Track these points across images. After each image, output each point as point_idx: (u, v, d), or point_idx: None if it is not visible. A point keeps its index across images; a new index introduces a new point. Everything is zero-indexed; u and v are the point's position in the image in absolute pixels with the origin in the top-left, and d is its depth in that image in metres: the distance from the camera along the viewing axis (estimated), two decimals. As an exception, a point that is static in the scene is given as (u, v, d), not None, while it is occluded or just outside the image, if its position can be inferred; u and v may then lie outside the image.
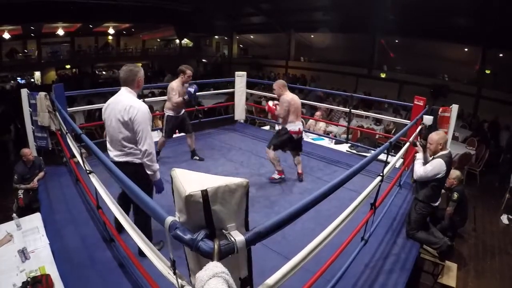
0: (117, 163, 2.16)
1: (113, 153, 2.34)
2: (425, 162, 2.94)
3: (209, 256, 0.93)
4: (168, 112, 4.10)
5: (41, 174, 3.85)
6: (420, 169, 2.86)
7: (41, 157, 4.02)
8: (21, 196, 3.70)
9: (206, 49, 23.16)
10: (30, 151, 3.84)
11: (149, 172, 2.29)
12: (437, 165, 2.77)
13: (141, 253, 1.76)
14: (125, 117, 2.18)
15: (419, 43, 12.30)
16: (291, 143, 3.86)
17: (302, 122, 3.99)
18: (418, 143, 3.10)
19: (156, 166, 2.31)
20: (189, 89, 4.05)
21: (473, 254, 4.31)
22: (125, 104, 2.19)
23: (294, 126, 3.76)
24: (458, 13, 9.83)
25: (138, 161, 2.30)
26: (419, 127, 3.91)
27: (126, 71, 2.27)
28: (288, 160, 4.64)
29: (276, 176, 3.93)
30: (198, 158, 4.52)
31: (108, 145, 2.38)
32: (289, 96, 3.73)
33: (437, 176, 2.80)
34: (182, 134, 4.51)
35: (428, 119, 3.79)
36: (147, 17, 15.77)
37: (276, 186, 3.83)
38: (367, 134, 6.50)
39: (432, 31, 10.77)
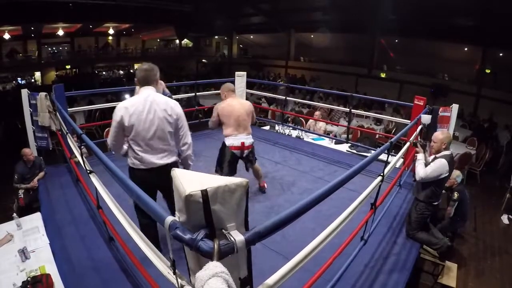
0: (162, 167, 2.14)
1: (154, 157, 2.15)
2: (426, 162, 2.94)
3: (209, 256, 0.93)
4: None
5: (41, 174, 3.85)
6: (422, 170, 2.85)
7: (41, 157, 4.02)
8: (22, 196, 3.71)
9: (206, 49, 23.19)
10: (31, 151, 3.84)
11: (190, 163, 2.34)
12: (440, 166, 2.76)
13: None
14: (173, 115, 2.14)
15: (419, 43, 12.31)
16: (236, 161, 3.21)
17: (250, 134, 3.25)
18: (418, 143, 3.09)
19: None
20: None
21: (473, 254, 4.31)
22: (165, 102, 2.14)
23: (234, 140, 3.10)
24: (458, 13, 9.84)
25: (174, 159, 2.27)
26: (419, 127, 3.91)
27: (148, 70, 2.17)
28: (289, 160, 4.65)
29: None
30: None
31: (142, 153, 2.15)
32: (225, 103, 3.13)
33: (440, 177, 2.79)
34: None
35: (426, 119, 3.77)
36: (147, 17, 15.79)
37: (276, 186, 3.83)
38: (367, 134, 6.50)
39: (432, 31, 10.78)
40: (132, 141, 2.17)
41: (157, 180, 2.17)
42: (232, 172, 3.19)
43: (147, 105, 2.10)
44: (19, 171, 3.77)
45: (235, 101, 3.17)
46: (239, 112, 3.09)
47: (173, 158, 2.25)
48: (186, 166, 2.36)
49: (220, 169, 3.23)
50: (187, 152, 2.30)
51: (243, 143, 3.11)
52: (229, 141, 3.12)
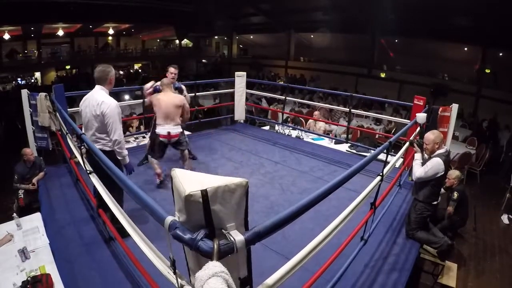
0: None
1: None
2: (423, 162, 2.94)
3: (209, 256, 0.93)
4: None
5: (41, 174, 3.85)
6: (419, 170, 2.86)
7: (41, 157, 4.03)
8: (22, 196, 3.70)
9: (206, 49, 23.17)
10: (31, 151, 3.84)
11: (119, 158, 2.61)
12: (435, 164, 2.77)
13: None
14: (97, 111, 2.48)
15: (419, 42, 12.31)
16: (165, 146, 3.63)
17: (176, 125, 3.57)
18: (415, 143, 3.09)
19: (125, 152, 2.63)
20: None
21: (473, 254, 4.31)
22: (97, 100, 2.49)
23: (161, 129, 3.51)
24: (458, 13, 9.84)
25: (107, 149, 2.58)
26: (419, 127, 3.91)
27: (99, 71, 2.56)
28: (289, 160, 4.65)
29: (156, 179, 3.69)
30: (191, 156, 4.47)
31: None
32: (158, 96, 3.55)
33: (436, 176, 2.80)
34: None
35: (421, 117, 3.69)
36: (147, 17, 15.78)
37: (276, 186, 3.84)
38: (367, 134, 6.51)
39: (432, 30, 10.78)
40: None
41: None
42: (161, 155, 3.69)
43: (86, 101, 2.58)
44: (19, 171, 3.77)
45: (166, 96, 3.56)
46: (166, 105, 3.50)
47: (97, 146, 2.52)
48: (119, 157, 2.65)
49: (151, 152, 3.69)
50: (114, 147, 2.59)
51: (169, 133, 3.53)
52: (158, 130, 3.56)
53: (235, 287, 0.88)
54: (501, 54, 11.15)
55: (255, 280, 1.21)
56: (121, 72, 20.46)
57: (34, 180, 3.76)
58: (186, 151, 3.78)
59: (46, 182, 3.76)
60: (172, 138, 3.57)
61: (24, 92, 3.86)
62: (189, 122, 4.47)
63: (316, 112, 6.49)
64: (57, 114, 3.79)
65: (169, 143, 3.61)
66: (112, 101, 2.54)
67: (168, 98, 3.53)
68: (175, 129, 3.56)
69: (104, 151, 2.43)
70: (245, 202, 1.11)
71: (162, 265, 1.42)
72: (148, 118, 4.76)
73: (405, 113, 9.51)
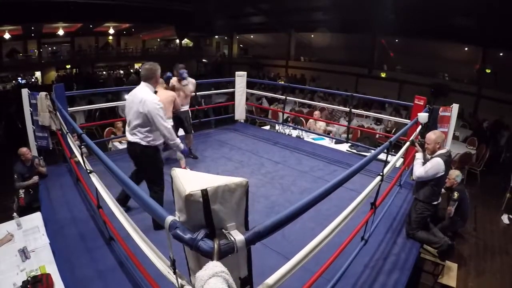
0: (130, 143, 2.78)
1: (129, 135, 2.78)
2: (424, 161, 2.94)
3: (209, 256, 0.93)
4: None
5: (43, 169, 3.83)
6: (419, 169, 2.86)
7: (41, 157, 4.02)
8: (22, 195, 3.69)
9: (206, 49, 23.16)
10: (28, 150, 3.82)
11: (174, 148, 2.93)
12: (436, 164, 2.77)
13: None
14: (140, 108, 2.60)
15: (419, 42, 12.30)
16: None
17: None
18: (416, 143, 3.09)
19: (177, 140, 2.85)
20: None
21: (473, 254, 4.31)
22: (141, 98, 2.61)
23: None
24: (458, 13, 9.82)
25: (144, 143, 2.72)
26: (419, 127, 3.91)
27: (146, 69, 2.71)
28: (289, 160, 4.65)
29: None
30: (192, 156, 4.53)
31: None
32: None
33: (437, 176, 2.79)
34: (182, 134, 4.51)
35: (422, 117, 3.70)
36: (147, 17, 15.77)
37: (276, 185, 3.84)
38: (367, 133, 6.50)
39: (432, 31, 10.76)
40: None
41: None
42: None
43: (130, 97, 2.76)
44: (18, 171, 3.76)
45: (159, 92, 3.72)
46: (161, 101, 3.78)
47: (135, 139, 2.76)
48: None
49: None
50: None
51: None
52: None
53: (235, 287, 0.87)
54: (501, 54, 11.14)
55: (255, 280, 1.21)
56: (121, 72, 20.47)
57: (35, 177, 3.76)
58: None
59: (46, 182, 3.76)
60: None
61: (25, 92, 3.86)
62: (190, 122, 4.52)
63: (316, 112, 6.49)
64: (58, 113, 3.79)
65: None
66: (155, 98, 2.65)
67: (161, 94, 3.73)
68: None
69: (140, 145, 2.72)
70: (245, 201, 1.11)
71: (162, 265, 1.42)
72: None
73: (405, 113, 9.52)
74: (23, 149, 3.73)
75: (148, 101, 2.60)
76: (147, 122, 2.66)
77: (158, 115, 2.64)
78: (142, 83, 2.72)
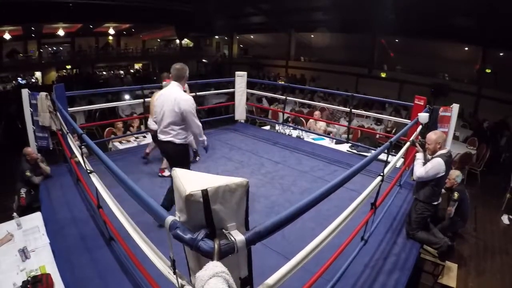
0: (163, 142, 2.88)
1: (161, 135, 2.87)
2: (425, 161, 2.94)
3: (209, 256, 0.93)
4: None
5: (47, 169, 3.83)
6: (420, 169, 2.86)
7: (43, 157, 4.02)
8: (23, 195, 3.68)
9: (207, 49, 23.15)
10: (33, 150, 3.82)
11: (201, 144, 3.03)
12: (436, 165, 2.77)
13: None
14: (175, 107, 2.70)
15: (420, 42, 12.29)
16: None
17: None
18: (416, 143, 3.09)
19: (204, 137, 2.99)
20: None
21: (473, 254, 4.31)
22: (175, 97, 2.71)
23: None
24: (458, 13, 9.82)
25: (177, 141, 2.84)
26: (420, 127, 3.91)
27: (178, 69, 2.81)
28: (289, 160, 4.65)
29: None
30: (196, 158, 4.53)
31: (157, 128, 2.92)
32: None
33: (437, 176, 2.79)
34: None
35: (423, 117, 3.71)
36: (147, 17, 15.77)
37: (276, 185, 3.83)
38: (367, 134, 6.50)
39: (432, 31, 10.75)
40: None
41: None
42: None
43: (162, 96, 2.84)
44: (26, 168, 3.74)
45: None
46: (152, 103, 3.84)
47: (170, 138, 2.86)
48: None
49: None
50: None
51: (148, 125, 3.97)
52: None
53: (235, 287, 0.87)
54: (501, 54, 11.14)
55: (255, 280, 1.21)
56: (121, 72, 20.47)
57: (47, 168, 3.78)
58: None
59: (46, 182, 3.76)
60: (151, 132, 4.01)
61: (25, 92, 3.86)
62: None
63: (316, 112, 6.49)
64: (58, 113, 3.79)
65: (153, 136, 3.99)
66: (188, 97, 2.78)
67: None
68: (154, 125, 3.92)
69: (173, 143, 2.83)
70: (245, 202, 1.11)
71: (162, 265, 1.42)
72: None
73: (405, 113, 9.51)
74: (28, 149, 3.73)
75: (183, 100, 2.71)
76: (181, 120, 2.76)
77: (192, 113, 2.77)
78: (173, 83, 2.81)
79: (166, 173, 3.93)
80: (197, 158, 4.55)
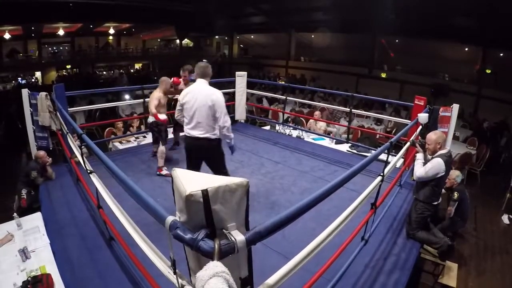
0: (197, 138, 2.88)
1: (194, 131, 2.87)
2: (425, 162, 2.94)
3: (210, 256, 0.93)
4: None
5: (53, 174, 3.83)
6: (420, 169, 2.86)
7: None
8: (24, 196, 3.67)
9: (207, 49, 23.17)
10: (45, 154, 3.79)
11: (227, 140, 3.01)
12: (436, 165, 2.77)
13: None
14: (209, 102, 2.76)
15: (420, 42, 12.30)
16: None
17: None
18: (417, 143, 3.09)
19: (232, 135, 3.00)
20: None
21: (473, 254, 4.31)
22: (208, 92, 2.79)
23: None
24: (458, 13, 9.82)
25: (213, 137, 2.89)
26: (420, 127, 3.91)
27: (203, 67, 2.89)
28: (289, 160, 4.65)
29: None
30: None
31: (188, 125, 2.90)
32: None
33: (437, 176, 2.79)
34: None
35: (423, 117, 3.70)
36: (147, 17, 15.78)
37: (277, 185, 3.83)
38: (367, 134, 6.50)
39: (432, 31, 10.76)
40: None
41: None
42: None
43: (191, 93, 2.86)
44: (34, 168, 3.72)
45: (155, 91, 4.10)
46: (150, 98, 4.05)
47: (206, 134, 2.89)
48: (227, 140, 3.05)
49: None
50: (223, 131, 2.93)
51: (149, 122, 4.10)
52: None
53: (236, 287, 0.87)
54: (501, 54, 11.14)
55: (256, 280, 1.21)
56: (122, 72, 20.47)
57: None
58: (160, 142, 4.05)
59: (46, 182, 3.75)
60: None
61: (25, 92, 3.86)
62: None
63: (316, 112, 6.49)
64: (58, 113, 3.79)
65: (151, 130, 4.18)
66: (220, 92, 2.85)
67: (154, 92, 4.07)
68: (151, 119, 4.06)
69: (208, 139, 2.87)
70: (245, 202, 1.11)
71: (162, 265, 1.42)
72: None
73: (405, 113, 9.52)
74: (41, 153, 3.71)
75: (216, 96, 2.80)
76: (213, 115, 2.81)
77: (223, 107, 2.84)
78: (200, 80, 2.87)
79: (164, 171, 3.93)
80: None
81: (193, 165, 3.02)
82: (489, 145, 7.19)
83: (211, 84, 2.95)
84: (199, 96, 2.80)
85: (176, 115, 3.07)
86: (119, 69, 20.89)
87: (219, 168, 3.05)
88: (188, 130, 2.92)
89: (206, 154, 3.01)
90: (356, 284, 2.32)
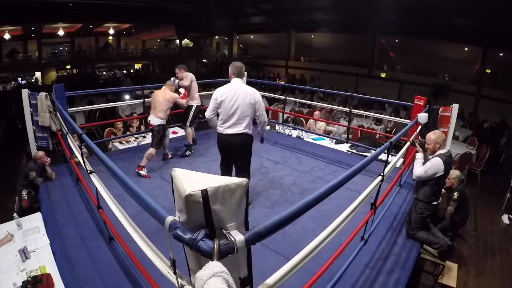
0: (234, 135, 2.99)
1: (232, 129, 2.98)
2: (425, 161, 2.94)
3: (209, 256, 0.93)
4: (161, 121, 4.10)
5: (53, 175, 3.83)
6: (419, 169, 2.87)
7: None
8: (25, 197, 3.67)
9: (207, 49, 23.17)
10: (44, 154, 3.79)
11: (264, 134, 3.33)
12: (435, 164, 2.78)
13: None
14: (251, 100, 2.92)
15: (419, 42, 12.28)
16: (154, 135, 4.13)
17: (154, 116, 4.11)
18: (416, 143, 3.09)
19: (267, 128, 3.10)
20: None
21: (473, 254, 4.31)
22: (247, 91, 2.94)
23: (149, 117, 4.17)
24: (458, 13, 9.82)
25: (250, 132, 3.04)
26: (419, 127, 3.91)
27: (239, 67, 3.02)
28: (289, 160, 4.65)
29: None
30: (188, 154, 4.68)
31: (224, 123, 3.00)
32: (155, 91, 4.22)
33: (436, 175, 2.80)
34: (183, 134, 4.54)
35: (422, 117, 3.70)
36: (147, 17, 15.78)
37: (276, 186, 3.83)
38: (367, 134, 6.50)
39: (432, 30, 10.76)
40: None
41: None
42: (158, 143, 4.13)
43: (229, 92, 2.96)
44: (33, 169, 3.72)
45: (160, 91, 4.15)
46: (155, 98, 4.07)
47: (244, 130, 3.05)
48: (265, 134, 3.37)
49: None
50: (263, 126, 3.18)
51: (149, 121, 4.11)
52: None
53: (235, 287, 0.87)
54: (501, 54, 11.14)
55: (255, 280, 1.21)
56: (122, 71, 20.48)
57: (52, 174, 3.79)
58: (152, 147, 4.06)
59: (46, 182, 3.75)
60: (149, 127, 4.13)
61: (25, 92, 3.86)
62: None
63: (316, 112, 6.49)
64: (58, 113, 3.79)
65: (150, 130, 4.18)
66: (257, 91, 3.00)
67: (161, 93, 4.09)
68: (152, 120, 4.06)
69: (246, 135, 3.02)
70: (245, 202, 1.11)
71: (162, 265, 1.42)
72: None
73: (405, 113, 9.51)
74: (40, 153, 3.71)
75: (255, 93, 2.96)
76: (254, 112, 2.98)
77: (263, 104, 3.03)
78: (236, 79, 2.99)
79: (143, 172, 3.93)
80: (187, 153, 4.64)
81: (228, 164, 3.23)
82: (489, 145, 7.19)
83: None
84: (240, 95, 2.91)
85: (209, 114, 3.10)
86: (119, 69, 20.89)
87: (245, 168, 3.17)
88: (225, 128, 3.01)
89: (240, 150, 3.10)
90: (356, 284, 2.32)
